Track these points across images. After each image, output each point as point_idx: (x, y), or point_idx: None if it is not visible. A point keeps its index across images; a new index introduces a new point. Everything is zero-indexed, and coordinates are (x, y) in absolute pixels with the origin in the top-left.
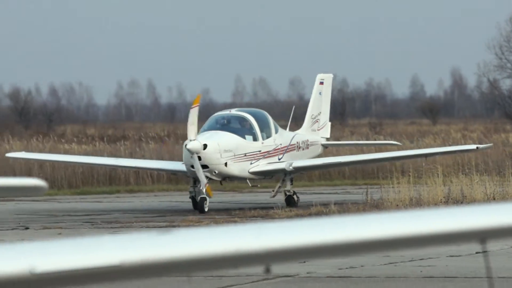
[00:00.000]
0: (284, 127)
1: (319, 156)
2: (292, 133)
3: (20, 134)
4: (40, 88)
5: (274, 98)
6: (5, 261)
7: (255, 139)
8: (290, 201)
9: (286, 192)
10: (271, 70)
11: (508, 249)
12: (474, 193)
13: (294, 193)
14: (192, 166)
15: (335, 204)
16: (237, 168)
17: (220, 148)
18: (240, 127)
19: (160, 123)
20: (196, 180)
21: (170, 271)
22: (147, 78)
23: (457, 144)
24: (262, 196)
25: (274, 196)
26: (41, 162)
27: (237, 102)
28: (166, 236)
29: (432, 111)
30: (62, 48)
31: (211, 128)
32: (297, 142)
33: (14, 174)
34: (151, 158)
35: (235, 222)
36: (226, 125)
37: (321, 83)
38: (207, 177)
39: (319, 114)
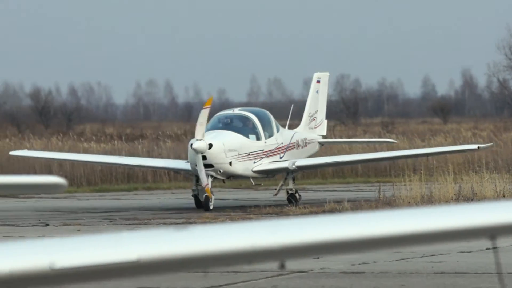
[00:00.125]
0: (297, 126)
1: (315, 153)
2: (291, 132)
3: (41, 133)
4: (60, 88)
5: (288, 98)
6: (26, 257)
7: (258, 138)
8: (292, 200)
9: (288, 190)
10: (285, 70)
11: None
12: (484, 190)
13: (296, 191)
14: (197, 165)
15: (348, 201)
16: (241, 167)
17: (225, 148)
18: (243, 127)
19: (177, 122)
20: (199, 179)
21: (187, 266)
22: (165, 78)
23: (468, 143)
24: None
25: (276, 194)
26: (61, 161)
27: (253, 102)
28: (183, 233)
29: (443, 111)
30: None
31: (214, 127)
32: (297, 141)
33: (34, 172)
34: (168, 156)
35: (250, 219)
36: (229, 124)
37: (318, 81)
38: (212, 176)
39: (316, 112)
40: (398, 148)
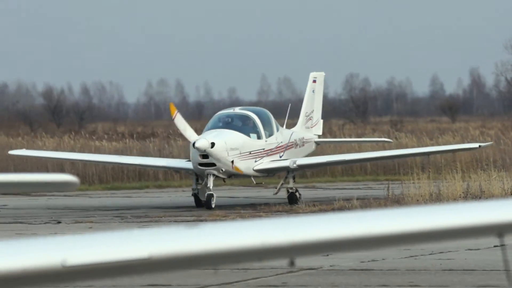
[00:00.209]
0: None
1: (312, 153)
2: (290, 131)
3: (53, 132)
4: (72, 87)
5: (298, 97)
6: (38, 254)
7: (259, 137)
8: (293, 198)
9: (288, 189)
10: (295, 69)
11: None
12: (492, 188)
13: (296, 190)
14: (200, 164)
15: (357, 199)
16: (242, 166)
17: (227, 146)
18: (244, 126)
19: (188, 121)
20: (198, 178)
21: (198, 264)
22: (176, 78)
23: (476, 141)
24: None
25: (277, 193)
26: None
27: (263, 101)
28: (194, 230)
29: (451, 109)
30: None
31: (215, 126)
32: (295, 140)
33: (46, 170)
34: (179, 155)
35: (260, 216)
36: (230, 123)
37: (314, 81)
38: (213, 174)
39: (312, 112)
40: (403, 147)
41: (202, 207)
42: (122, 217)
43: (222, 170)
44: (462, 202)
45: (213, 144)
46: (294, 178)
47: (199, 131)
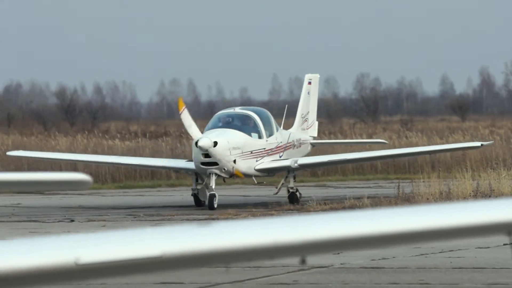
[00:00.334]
0: (319, 124)
1: (307, 154)
2: (288, 132)
3: (66, 131)
4: (85, 87)
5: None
6: (51, 252)
7: (260, 137)
8: (293, 198)
9: (289, 189)
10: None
11: None
12: (502, 187)
13: (297, 189)
14: (202, 164)
15: (368, 197)
16: (244, 165)
17: (229, 146)
18: (246, 125)
19: (200, 120)
20: (198, 178)
21: (210, 262)
22: (188, 77)
23: (485, 140)
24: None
25: (277, 193)
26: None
27: (274, 100)
28: (206, 228)
29: (461, 109)
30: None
31: (215, 126)
32: (293, 140)
33: (60, 169)
34: (191, 154)
35: (271, 215)
36: (231, 123)
37: (309, 83)
38: (216, 174)
39: (307, 114)
40: (413, 146)
41: (202, 207)
42: (135, 216)
43: (224, 169)
44: (472, 201)
45: (215, 143)
46: (294, 177)
47: None
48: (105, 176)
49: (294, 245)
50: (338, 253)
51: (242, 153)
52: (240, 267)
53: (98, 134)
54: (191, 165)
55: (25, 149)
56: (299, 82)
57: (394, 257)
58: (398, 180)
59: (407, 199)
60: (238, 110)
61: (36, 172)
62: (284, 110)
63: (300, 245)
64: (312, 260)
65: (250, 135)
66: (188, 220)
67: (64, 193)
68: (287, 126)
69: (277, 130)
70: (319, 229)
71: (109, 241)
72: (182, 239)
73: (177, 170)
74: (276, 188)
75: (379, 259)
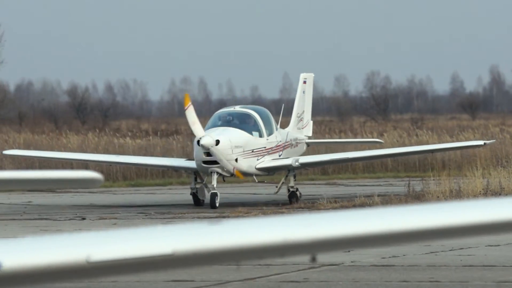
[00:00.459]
0: (330, 122)
1: (303, 154)
2: (285, 131)
3: (77, 129)
4: (97, 85)
5: (320, 95)
6: (63, 250)
7: (260, 135)
8: (293, 197)
9: (289, 188)
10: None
11: None
12: None
13: (297, 189)
14: (204, 162)
15: (378, 195)
16: (246, 164)
17: (231, 144)
18: (246, 124)
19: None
20: (197, 177)
21: (221, 260)
22: (199, 76)
23: (495, 138)
24: (308, 188)
25: (277, 192)
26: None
27: (285, 99)
28: (217, 226)
29: (471, 107)
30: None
31: (215, 124)
32: (291, 140)
33: (71, 167)
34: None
35: (282, 213)
36: (232, 121)
37: (304, 82)
38: (217, 172)
39: (303, 113)
40: (424, 144)
41: (201, 206)
42: (146, 214)
43: (225, 168)
44: (482, 199)
45: (217, 142)
46: (295, 176)
47: None
48: (116, 174)
49: (304, 243)
50: (349, 251)
51: (244, 151)
52: (251, 265)
53: (109, 132)
54: (190, 164)
55: (36, 147)
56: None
57: (404, 255)
58: (408, 178)
59: (417, 197)
60: (238, 108)
61: (47, 170)
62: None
63: (311, 243)
64: (322, 258)
65: (251, 133)
66: (199, 218)
67: (75, 191)
68: (282, 125)
69: (276, 129)
70: (330, 227)
71: (120, 239)
72: (193, 237)
73: (175, 169)
74: (276, 187)
75: (389, 257)
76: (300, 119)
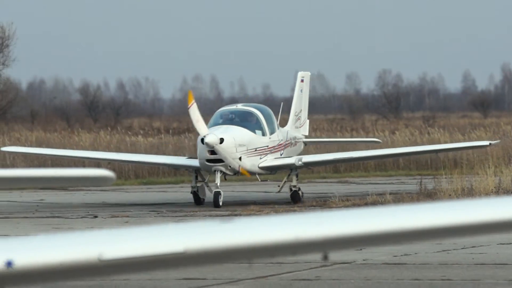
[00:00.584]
0: (341, 120)
1: (302, 152)
2: (285, 129)
3: (89, 127)
4: (109, 83)
5: (331, 93)
6: (75, 248)
7: (263, 134)
8: (296, 196)
9: (292, 187)
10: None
11: None
12: None
13: (299, 188)
14: (207, 160)
15: (390, 194)
16: (249, 163)
17: (235, 143)
18: (249, 122)
19: None
20: (198, 176)
21: (232, 258)
22: (210, 74)
23: (507, 136)
24: (320, 186)
25: (279, 191)
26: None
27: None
28: (228, 225)
29: (483, 105)
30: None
31: (216, 122)
32: (290, 138)
33: (83, 165)
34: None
35: (294, 211)
36: (234, 119)
37: (302, 80)
38: (221, 171)
39: (300, 112)
40: (436, 142)
41: (201, 205)
42: (158, 212)
43: (229, 166)
44: (494, 197)
45: (222, 140)
46: (297, 176)
47: None
48: (128, 173)
49: (316, 241)
50: (361, 249)
51: (247, 150)
52: (263, 263)
53: (121, 130)
54: (191, 162)
55: (48, 145)
56: (321, 79)
57: (416, 253)
58: (420, 176)
59: (429, 196)
60: (240, 106)
61: (59, 168)
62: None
63: (323, 241)
64: (334, 256)
65: (254, 132)
66: (210, 216)
67: (87, 189)
68: (280, 124)
69: (277, 128)
70: (342, 225)
71: (132, 237)
72: (205, 235)
73: (177, 167)
74: (278, 186)
75: (401, 255)
76: (297, 117)
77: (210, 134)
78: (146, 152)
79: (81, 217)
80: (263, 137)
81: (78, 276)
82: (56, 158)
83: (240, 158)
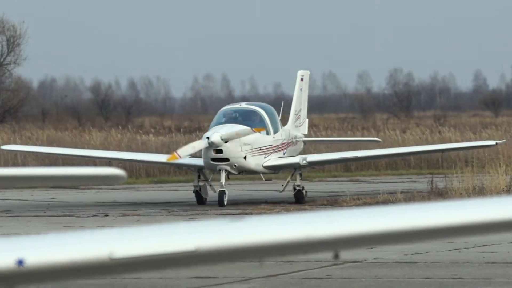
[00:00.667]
0: (352, 119)
1: (301, 152)
2: (287, 128)
3: (100, 126)
4: (120, 82)
5: (343, 92)
6: (86, 246)
7: (267, 133)
8: (299, 196)
9: (295, 186)
10: (340, 64)
11: None
12: None
13: (303, 187)
14: (212, 160)
15: (401, 192)
16: (254, 162)
17: (240, 142)
18: (252, 121)
19: None
20: (200, 175)
21: (243, 256)
22: (221, 72)
23: None
24: (331, 185)
25: (283, 190)
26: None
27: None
28: (239, 223)
29: (494, 104)
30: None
31: (219, 122)
32: (292, 137)
33: (94, 164)
34: None
35: (305, 210)
36: (238, 118)
37: (302, 79)
38: (226, 170)
39: (300, 111)
40: (447, 141)
41: (203, 205)
42: (169, 210)
43: (235, 165)
44: (505, 196)
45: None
46: (301, 175)
47: None
48: (139, 171)
49: (327, 239)
50: (371, 248)
51: (252, 149)
52: (274, 262)
53: (132, 129)
54: (193, 161)
55: (59, 144)
56: (332, 78)
57: (427, 252)
58: (431, 175)
59: (440, 194)
60: (244, 105)
61: (71, 166)
62: (320, 105)
63: (333, 239)
64: (345, 254)
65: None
66: (221, 215)
67: (99, 188)
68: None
69: (280, 127)
70: (352, 224)
71: (143, 236)
72: (216, 234)
73: (179, 166)
74: (282, 185)
75: (412, 254)
76: (297, 116)
77: (215, 133)
78: (157, 151)
79: (92, 216)
80: (267, 136)
81: (89, 275)
82: (67, 157)
83: (245, 157)
